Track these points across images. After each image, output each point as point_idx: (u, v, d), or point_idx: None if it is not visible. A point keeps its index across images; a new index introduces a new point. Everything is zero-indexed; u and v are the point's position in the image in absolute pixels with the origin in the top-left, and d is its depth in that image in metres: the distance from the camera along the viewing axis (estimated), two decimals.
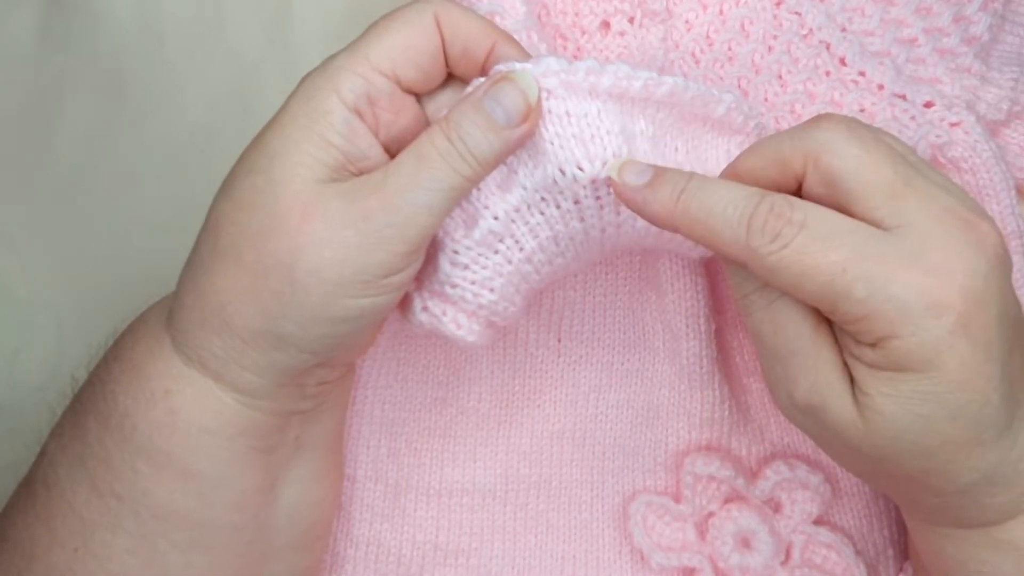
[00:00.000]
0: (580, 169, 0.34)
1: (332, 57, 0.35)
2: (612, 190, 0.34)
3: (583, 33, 0.45)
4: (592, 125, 0.34)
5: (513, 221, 0.35)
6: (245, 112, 0.50)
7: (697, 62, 0.46)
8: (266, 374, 0.34)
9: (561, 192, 0.35)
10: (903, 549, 0.43)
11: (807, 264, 0.31)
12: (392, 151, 0.35)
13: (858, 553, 0.42)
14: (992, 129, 0.46)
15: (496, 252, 0.36)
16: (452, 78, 0.37)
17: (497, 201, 0.35)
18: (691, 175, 0.33)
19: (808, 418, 0.34)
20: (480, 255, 0.35)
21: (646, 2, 0.44)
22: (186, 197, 0.49)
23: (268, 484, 0.36)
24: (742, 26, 0.46)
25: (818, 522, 0.43)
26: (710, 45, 0.46)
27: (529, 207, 0.35)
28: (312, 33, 0.51)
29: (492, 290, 0.36)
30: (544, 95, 0.34)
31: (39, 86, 0.50)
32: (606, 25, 0.45)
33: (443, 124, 0.34)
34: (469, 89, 0.35)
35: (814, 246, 0.31)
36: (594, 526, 0.44)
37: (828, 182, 0.33)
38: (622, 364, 0.44)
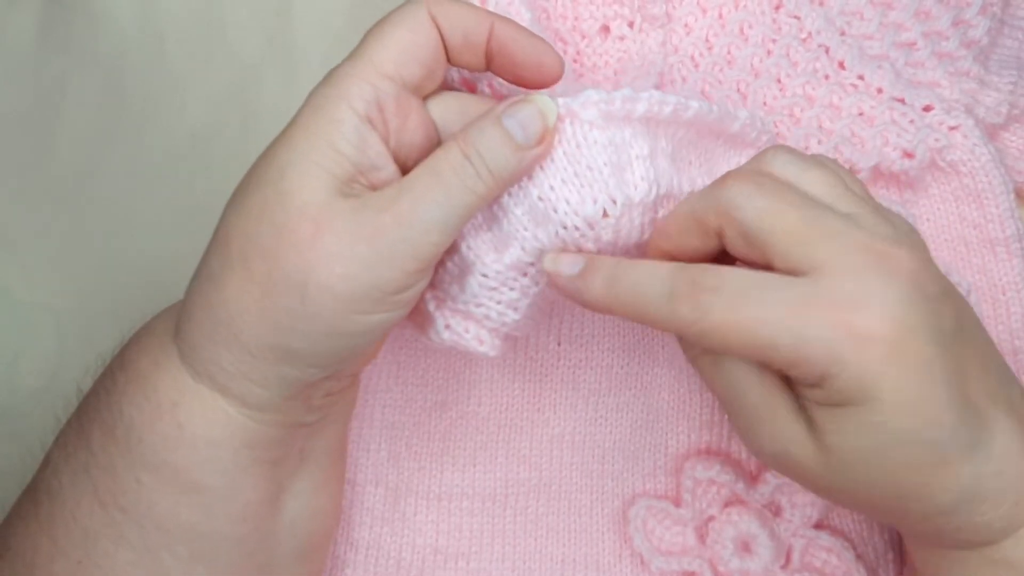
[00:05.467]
0: (629, 193, 0.34)
1: (337, 67, 0.34)
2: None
3: (583, 37, 0.45)
4: (626, 154, 0.35)
5: (544, 250, 0.35)
6: (246, 114, 0.50)
7: (696, 66, 0.46)
8: (274, 387, 0.34)
9: (599, 222, 0.35)
10: (903, 553, 0.43)
11: (729, 326, 0.32)
12: (400, 158, 0.35)
13: (858, 557, 0.42)
14: (991, 132, 0.46)
15: (525, 275, 0.36)
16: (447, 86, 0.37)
17: (529, 237, 0.35)
18: (617, 261, 0.34)
19: (778, 464, 0.35)
20: (510, 278, 0.35)
21: (646, 6, 0.45)
22: (186, 198, 0.49)
23: (272, 496, 0.36)
24: (741, 30, 0.46)
25: (818, 526, 0.43)
26: (709, 49, 0.46)
27: (564, 241, 0.35)
28: (313, 35, 0.51)
29: (517, 310, 0.36)
30: (586, 127, 0.34)
31: (39, 87, 0.50)
32: (606, 29, 0.45)
33: (459, 140, 0.33)
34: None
35: (732, 306, 0.32)
36: (594, 530, 0.44)
37: (744, 236, 0.33)
38: (622, 368, 0.44)
